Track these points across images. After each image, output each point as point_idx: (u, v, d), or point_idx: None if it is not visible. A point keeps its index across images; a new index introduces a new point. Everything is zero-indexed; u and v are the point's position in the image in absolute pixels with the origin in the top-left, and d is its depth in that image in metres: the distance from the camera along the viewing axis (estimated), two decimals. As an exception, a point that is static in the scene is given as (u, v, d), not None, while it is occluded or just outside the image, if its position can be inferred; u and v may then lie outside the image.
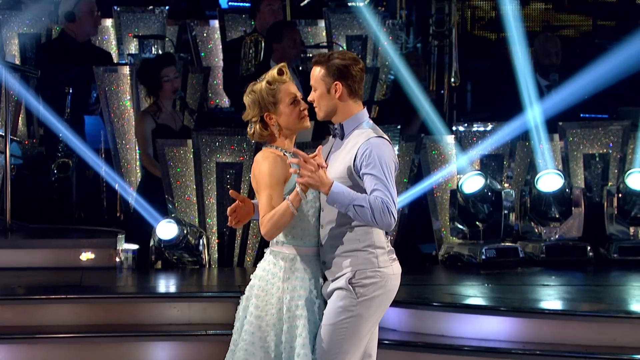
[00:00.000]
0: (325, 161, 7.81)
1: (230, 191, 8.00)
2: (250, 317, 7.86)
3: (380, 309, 7.79)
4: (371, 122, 7.82)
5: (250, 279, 7.95)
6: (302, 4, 16.95)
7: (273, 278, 7.82)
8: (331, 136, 7.93)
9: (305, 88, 12.14)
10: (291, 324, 7.85)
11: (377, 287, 7.71)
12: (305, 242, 7.87)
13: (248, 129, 7.97)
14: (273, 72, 7.86)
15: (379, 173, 7.58)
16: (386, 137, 7.74)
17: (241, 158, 12.88)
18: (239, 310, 7.92)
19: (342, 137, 7.78)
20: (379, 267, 7.70)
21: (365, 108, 7.84)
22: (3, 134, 13.20)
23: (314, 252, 7.90)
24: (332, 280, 7.74)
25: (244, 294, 7.96)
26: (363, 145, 7.60)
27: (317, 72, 7.79)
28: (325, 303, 7.81)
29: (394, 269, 7.74)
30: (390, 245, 7.86)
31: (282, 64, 8.00)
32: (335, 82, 7.73)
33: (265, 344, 7.85)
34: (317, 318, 7.82)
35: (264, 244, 12.04)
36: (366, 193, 7.57)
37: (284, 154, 7.85)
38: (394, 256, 7.79)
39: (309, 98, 7.87)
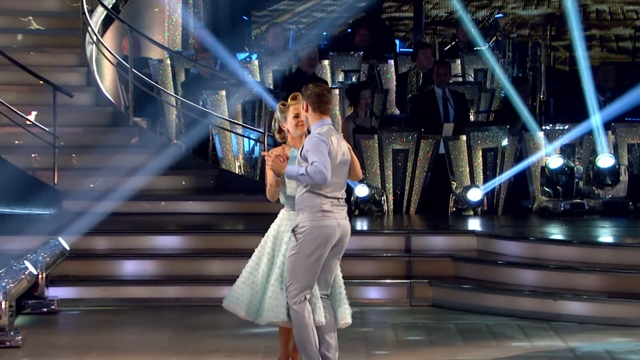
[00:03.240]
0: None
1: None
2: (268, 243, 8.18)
3: (312, 249, 7.87)
4: (326, 124, 7.94)
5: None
6: (445, 49, 17.06)
7: (279, 224, 8.19)
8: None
9: (455, 103, 13.49)
10: (278, 249, 8.13)
11: (307, 234, 7.85)
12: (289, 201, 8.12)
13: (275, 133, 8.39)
14: (290, 97, 8.19)
15: (315, 150, 7.70)
16: (329, 132, 7.89)
17: (408, 146, 13.45)
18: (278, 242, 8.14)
19: None
20: (310, 221, 7.86)
21: (328, 118, 7.98)
22: (263, 131, 13.80)
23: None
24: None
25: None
26: (307, 139, 7.89)
27: (295, 103, 8.11)
28: None
29: (321, 223, 7.86)
30: (327, 206, 7.88)
31: (296, 93, 8.16)
32: (305, 102, 7.97)
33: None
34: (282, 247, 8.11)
35: (422, 200, 13.57)
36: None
37: (289, 149, 8.15)
38: (328, 214, 7.87)
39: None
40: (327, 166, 7.74)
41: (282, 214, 8.20)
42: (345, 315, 8.19)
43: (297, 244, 7.89)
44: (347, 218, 8.07)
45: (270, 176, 8.02)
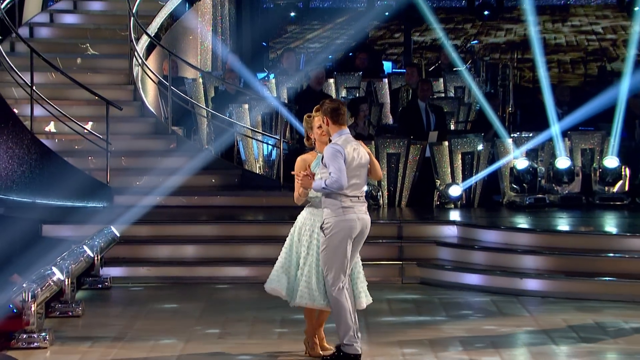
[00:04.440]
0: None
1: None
2: (294, 235, 8.00)
3: (338, 241, 7.71)
4: (344, 133, 7.79)
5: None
6: (430, 70, 17.08)
7: (306, 218, 7.98)
8: None
9: (436, 114, 13.50)
10: (305, 241, 7.93)
11: (332, 228, 7.70)
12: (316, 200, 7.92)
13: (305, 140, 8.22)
14: (314, 110, 7.93)
15: (330, 162, 7.63)
16: (347, 141, 7.74)
17: (399, 150, 13.39)
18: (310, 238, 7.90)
19: None
20: (333, 217, 7.70)
21: (345, 128, 7.85)
22: (279, 138, 13.78)
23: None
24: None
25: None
26: (326, 149, 7.73)
27: (317, 115, 7.89)
28: None
29: (345, 218, 7.69)
30: (347, 203, 7.70)
31: (317, 106, 7.92)
32: (324, 117, 7.81)
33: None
34: (313, 242, 7.90)
35: (411, 195, 13.42)
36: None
37: (316, 154, 7.96)
38: (349, 209, 7.70)
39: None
40: (343, 174, 7.62)
41: (306, 211, 8.04)
42: (362, 302, 8.02)
43: (325, 238, 7.74)
44: (367, 213, 7.91)
45: (299, 190, 7.90)
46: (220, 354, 8.28)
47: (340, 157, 7.68)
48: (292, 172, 7.94)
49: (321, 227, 7.75)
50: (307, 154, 8.10)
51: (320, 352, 8.02)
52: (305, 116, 8.10)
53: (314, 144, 8.05)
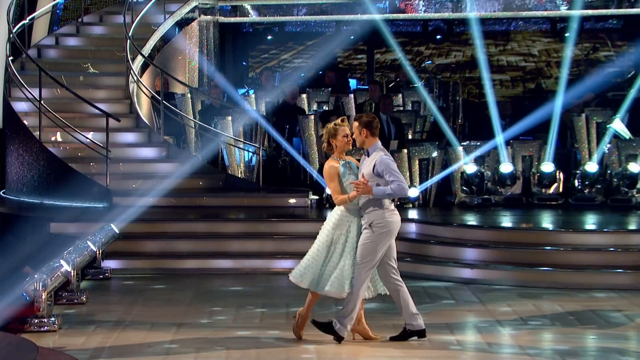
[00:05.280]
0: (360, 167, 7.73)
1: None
2: (327, 233, 7.76)
3: (386, 239, 7.65)
4: (380, 146, 7.74)
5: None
6: (390, 86, 16.83)
7: (342, 218, 7.74)
8: (363, 154, 7.88)
9: (395, 125, 13.54)
10: (336, 238, 7.75)
11: (383, 227, 7.63)
12: (353, 205, 7.71)
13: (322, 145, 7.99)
14: (338, 120, 7.87)
15: (390, 171, 7.57)
16: (386, 152, 7.73)
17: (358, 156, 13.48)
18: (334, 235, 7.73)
19: (368, 155, 7.78)
20: (384, 218, 7.62)
21: (379, 140, 7.74)
22: (258, 145, 13.71)
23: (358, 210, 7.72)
24: (364, 223, 7.67)
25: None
26: (378, 160, 7.65)
27: (355, 124, 7.79)
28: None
29: (392, 219, 7.65)
30: (392, 206, 7.67)
31: (344, 117, 8.03)
32: (362, 129, 7.73)
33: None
34: (349, 239, 7.70)
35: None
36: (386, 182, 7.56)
37: (338, 161, 7.78)
38: (394, 211, 7.68)
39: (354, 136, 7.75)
40: (404, 181, 7.57)
41: (340, 212, 7.72)
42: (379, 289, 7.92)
43: (373, 235, 7.58)
44: None
45: (352, 195, 7.62)
46: (209, 336, 8.26)
47: (395, 165, 7.64)
48: (352, 182, 7.61)
49: (370, 225, 7.58)
50: (331, 160, 7.84)
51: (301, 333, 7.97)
52: (331, 124, 7.85)
53: (335, 150, 7.81)
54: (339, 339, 7.82)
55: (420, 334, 7.84)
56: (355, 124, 7.77)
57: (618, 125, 13.96)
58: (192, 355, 7.65)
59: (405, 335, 7.87)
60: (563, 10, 16.44)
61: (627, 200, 13.43)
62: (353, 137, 7.81)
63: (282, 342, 8.08)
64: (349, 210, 7.76)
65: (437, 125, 14.36)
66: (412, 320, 7.83)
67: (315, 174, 13.67)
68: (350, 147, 7.84)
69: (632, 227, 12.05)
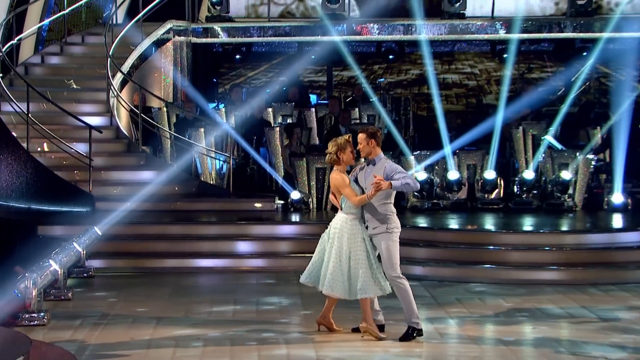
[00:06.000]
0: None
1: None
2: (340, 247, 7.64)
3: (398, 238, 7.72)
4: (383, 155, 7.82)
5: (330, 226, 7.76)
6: (347, 101, 16.82)
7: (352, 227, 7.66)
8: (365, 163, 7.81)
9: (354, 139, 13.25)
10: (357, 247, 7.65)
11: (396, 229, 7.68)
12: (356, 212, 7.70)
13: (327, 157, 7.86)
14: (347, 136, 7.87)
15: (400, 171, 7.64)
16: (390, 160, 7.91)
17: (325, 165, 13.13)
18: (331, 241, 7.66)
19: (374, 164, 7.73)
20: (396, 222, 7.67)
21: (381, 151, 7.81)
22: (228, 155, 13.61)
23: (361, 216, 7.71)
24: (374, 228, 7.60)
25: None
26: (387, 165, 7.69)
27: (362, 136, 7.77)
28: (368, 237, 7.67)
29: (398, 223, 7.74)
30: (395, 211, 7.75)
31: (350, 134, 7.94)
32: (370, 140, 7.75)
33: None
34: (366, 244, 7.65)
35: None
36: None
37: (344, 172, 7.77)
38: (396, 215, 7.77)
39: (358, 147, 7.75)
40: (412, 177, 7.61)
41: (344, 220, 7.66)
42: (387, 288, 7.78)
43: (392, 236, 7.55)
44: None
45: (371, 194, 7.50)
46: (186, 329, 8.23)
47: (401, 168, 7.66)
48: (375, 180, 7.43)
49: (387, 230, 7.55)
50: (337, 172, 7.73)
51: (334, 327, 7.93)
52: (342, 139, 7.74)
53: (340, 162, 7.72)
54: (419, 333, 7.70)
55: (380, 329, 7.90)
56: (363, 135, 7.71)
57: (551, 138, 14.14)
58: (171, 348, 7.62)
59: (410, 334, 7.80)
60: (502, 34, 16.38)
61: (560, 204, 13.53)
62: (357, 149, 7.76)
63: (253, 334, 8.07)
64: (357, 220, 7.65)
65: (391, 137, 14.39)
66: (376, 315, 7.88)
67: (280, 180, 13.65)
68: (354, 163, 7.79)
69: (565, 228, 12.17)
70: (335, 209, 7.89)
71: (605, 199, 13.56)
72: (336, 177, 7.69)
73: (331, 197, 7.79)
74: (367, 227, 7.66)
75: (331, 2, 16.09)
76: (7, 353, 5.76)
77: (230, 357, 7.29)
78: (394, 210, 7.70)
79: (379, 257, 7.73)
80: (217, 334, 8.08)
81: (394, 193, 7.68)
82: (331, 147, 7.77)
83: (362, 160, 7.99)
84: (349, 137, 7.79)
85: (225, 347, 7.66)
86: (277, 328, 8.18)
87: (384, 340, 7.68)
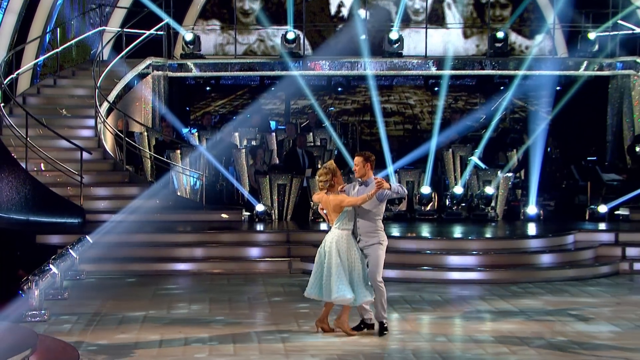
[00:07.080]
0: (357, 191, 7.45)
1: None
2: (338, 258, 7.36)
3: (385, 250, 7.56)
4: (374, 178, 7.49)
5: (325, 241, 7.41)
6: (302, 126, 16.66)
7: (348, 241, 7.40)
8: (357, 183, 7.54)
9: (308, 158, 13.29)
10: (354, 258, 7.40)
11: (383, 240, 7.50)
12: (350, 228, 7.46)
13: (320, 185, 7.42)
14: (331, 162, 7.61)
15: (391, 183, 7.47)
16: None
17: (286, 182, 13.24)
18: (329, 254, 7.33)
19: (367, 185, 7.50)
20: (384, 236, 7.51)
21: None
22: (201, 173, 13.50)
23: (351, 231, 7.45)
24: (367, 241, 7.40)
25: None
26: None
27: (359, 159, 7.53)
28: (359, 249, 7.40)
29: (385, 236, 7.55)
30: (382, 225, 7.50)
31: (331, 160, 7.77)
32: (366, 164, 7.53)
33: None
34: (359, 256, 7.37)
35: (294, 213, 13.16)
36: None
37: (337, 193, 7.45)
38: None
39: (354, 168, 7.52)
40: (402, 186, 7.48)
41: (338, 235, 7.36)
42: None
43: (382, 248, 7.38)
44: None
45: (373, 192, 7.26)
46: (169, 324, 8.19)
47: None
48: (377, 181, 7.25)
49: (379, 242, 7.37)
50: (332, 194, 7.41)
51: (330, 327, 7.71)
52: (331, 165, 7.46)
53: (334, 187, 7.43)
54: (385, 329, 7.58)
55: (369, 327, 7.75)
56: (360, 159, 7.48)
57: (476, 159, 14.20)
58: (158, 339, 7.56)
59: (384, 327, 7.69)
60: (433, 71, 16.46)
61: (485, 215, 13.58)
62: (353, 169, 7.55)
63: (229, 327, 8.03)
64: (351, 235, 7.40)
65: (342, 157, 14.29)
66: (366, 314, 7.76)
67: (247, 195, 13.51)
68: (343, 183, 7.48)
69: (489, 235, 12.19)
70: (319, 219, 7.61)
71: (522, 211, 13.66)
72: (334, 198, 7.38)
73: (320, 212, 7.59)
74: (359, 241, 7.47)
75: (289, 42, 16.12)
76: (17, 346, 5.77)
77: (209, 351, 7.22)
78: (382, 225, 7.54)
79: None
80: (197, 326, 8.02)
81: (383, 210, 7.52)
82: (324, 175, 7.42)
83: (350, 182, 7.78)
84: (332, 162, 7.59)
85: (204, 336, 7.64)
86: (247, 321, 8.16)
87: (353, 336, 7.58)
